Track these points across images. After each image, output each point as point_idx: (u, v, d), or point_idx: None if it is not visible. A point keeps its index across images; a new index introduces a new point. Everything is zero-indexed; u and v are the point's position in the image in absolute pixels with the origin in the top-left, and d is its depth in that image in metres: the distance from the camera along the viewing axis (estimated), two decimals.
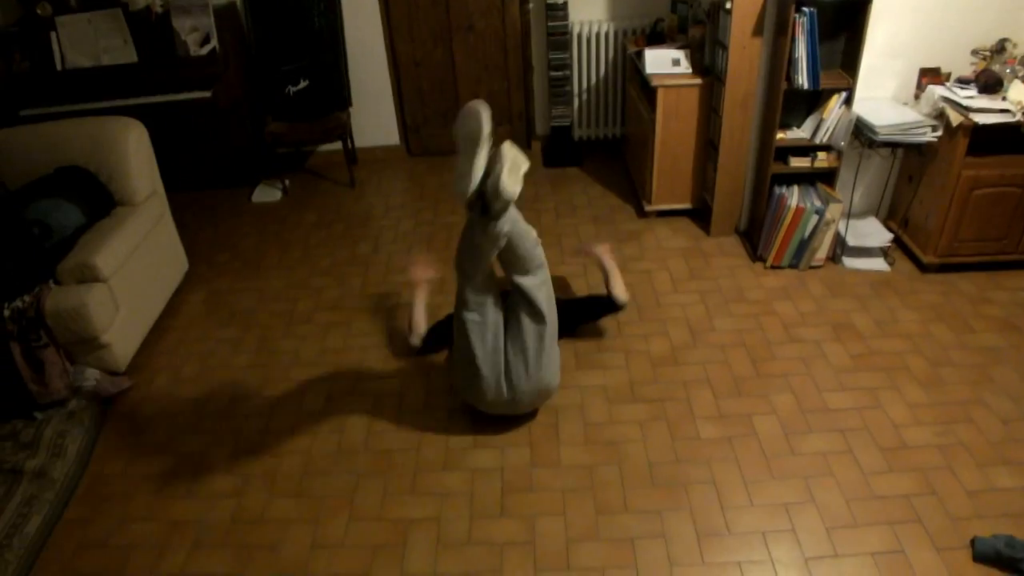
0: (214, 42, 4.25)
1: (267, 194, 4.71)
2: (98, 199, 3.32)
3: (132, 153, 3.38)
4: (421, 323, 3.11)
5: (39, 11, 4.21)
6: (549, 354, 2.59)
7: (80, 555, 2.39)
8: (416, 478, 2.58)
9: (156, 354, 3.31)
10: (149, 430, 2.88)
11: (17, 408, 2.90)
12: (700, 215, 4.08)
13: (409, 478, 2.58)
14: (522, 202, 4.42)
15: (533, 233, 2.51)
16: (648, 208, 4.10)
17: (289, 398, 2.99)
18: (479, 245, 2.42)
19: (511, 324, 2.55)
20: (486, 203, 2.32)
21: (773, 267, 3.61)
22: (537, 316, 2.52)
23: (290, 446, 2.76)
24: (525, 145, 5.14)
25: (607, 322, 3.31)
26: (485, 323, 2.53)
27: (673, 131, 3.81)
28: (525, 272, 2.52)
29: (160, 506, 2.54)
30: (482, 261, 2.46)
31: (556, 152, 4.87)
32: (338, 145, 4.80)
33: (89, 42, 4.21)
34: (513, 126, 5.07)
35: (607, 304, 3.13)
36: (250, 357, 3.25)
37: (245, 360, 3.23)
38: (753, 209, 3.79)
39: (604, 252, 3.26)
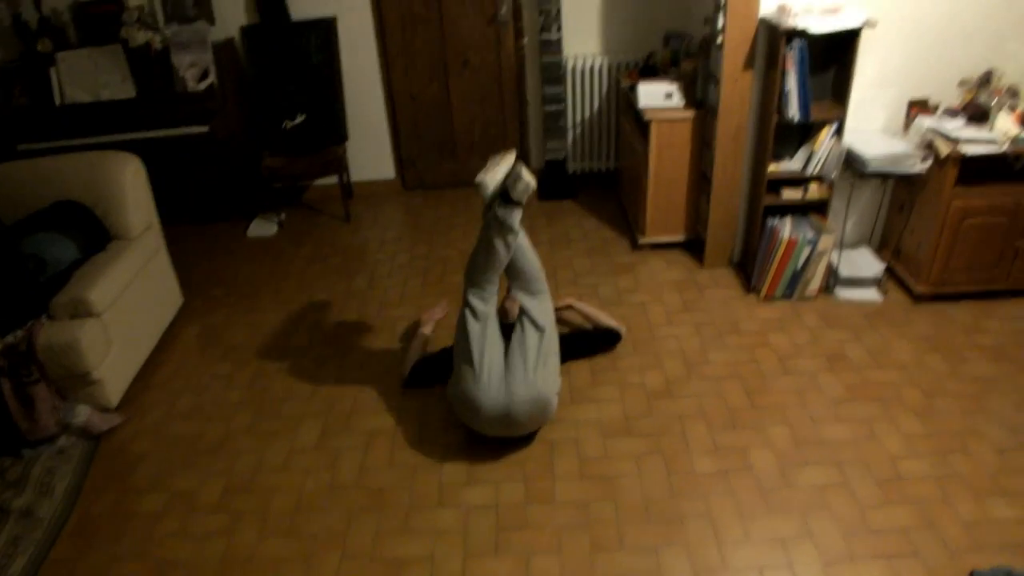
0: (212, 77, 4.29)
1: (263, 228, 4.72)
2: (94, 233, 3.32)
3: (128, 187, 3.39)
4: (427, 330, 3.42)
5: (39, 47, 4.26)
6: (547, 363, 2.68)
7: None
8: (409, 516, 2.55)
9: (148, 389, 3.29)
10: (140, 467, 2.85)
11: (5, 445, 2.87)
12: (694, 247, 4.09)
13: (402, 516, 2.55)
14: None
15: (539, 261, 2.84)
16: (642, 240, 4.11)
17: (282, 434, 2.97)
18: (492, 242, 2.66)
19: (513, 333, 2.72)
20: (506, 193, 2.63)
21: (767, 298, 3.61)
22: (537, 326, 2.72)
23: (282, 483, 2.73)
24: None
25: (601, 356, 3.30)
26: (485, 333, 2.67)
27: (666, 164, 3.84)
28: (528, 292, 2.80)
29: (149, 545, 2.50)
30: (492, 264, 2.70)
31: (551, 185, 4.89)
32: (334, 179, 4.84)
33: (88, 78, 4.25)
34: None
35: (606, 335, 3.24)
36: (243, 392, 3.23)
37: (238, 396, 3.21)
38: (746, 241, 3.80)
39: (567, 301, 3.52)
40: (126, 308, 3.25)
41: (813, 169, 3.38)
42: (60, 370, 2.93)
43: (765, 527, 2.41)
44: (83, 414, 2.96)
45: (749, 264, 3.73)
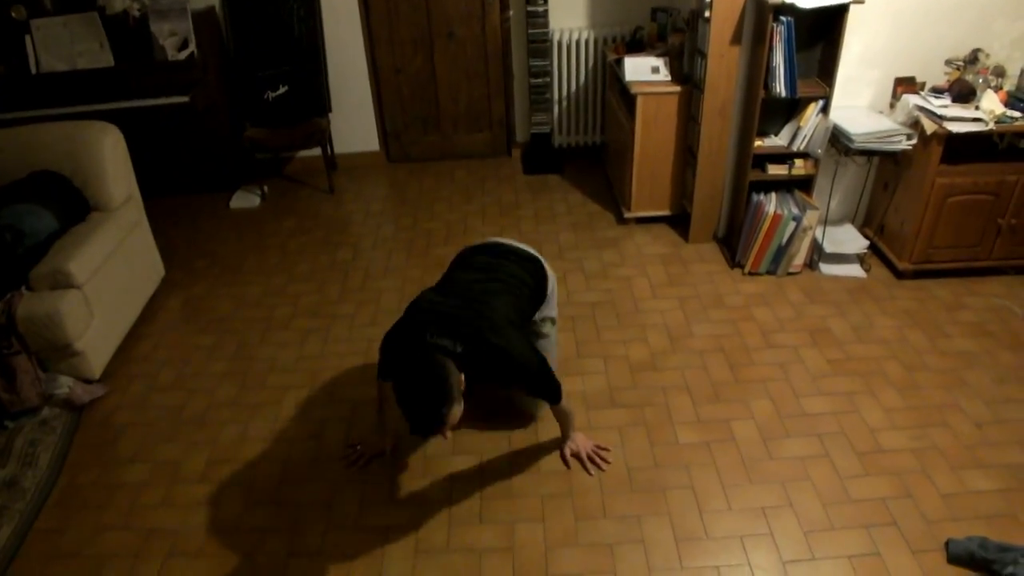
0: (192, 47, 4.23)
1: (245, 200, 4.68)
2: (73, 204, 3.28)
3: (108, 158, 3.35)
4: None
5: (13, 14, 4.17)
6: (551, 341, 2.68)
7: (52, 566, 2.35)
8: (394, 486, 2.57)
9: (131, 361, 3.28)
10: (123, 438, 2.85)
11: None
12: (679, 222, 4.11)
13: (387, 486, 2.57)
14: (503, 208, 4.44)
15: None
16: (628, 215, 4.12)
17: (266, 406, 2.97)
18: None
19: None
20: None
21: (751, 273, 3.64)
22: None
23: (267, 454, 2.74)
24: (505, 152, 5.15)
25: (586, 328, 3.32)
26: None
27: (652, 138, 3.84)
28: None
29: (135, 515, 2.51)
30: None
31: (536, 159, 4.89)
32: (317, 151, 4.79)
33: (64, 46, 4.17)
34: (493, 133, 5.09)
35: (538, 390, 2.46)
36: (227, 364, 3.23)
37: (222, 367, 3.21)
38: (731, 216, 3.82)
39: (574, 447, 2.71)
40: (107, 279, 3.23)
41: (799, 145, 3.39)
42: (41, 342, 2.91)
43: (747, 497, 2.45)
44: (65, 385, 2.95)
45: (734, 239, 3.75)
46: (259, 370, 3.18)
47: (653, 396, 2.91)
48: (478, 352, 2.15)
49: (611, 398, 2.91)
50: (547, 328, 2.66)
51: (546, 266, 2.61)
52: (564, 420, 2.59)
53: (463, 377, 2.09)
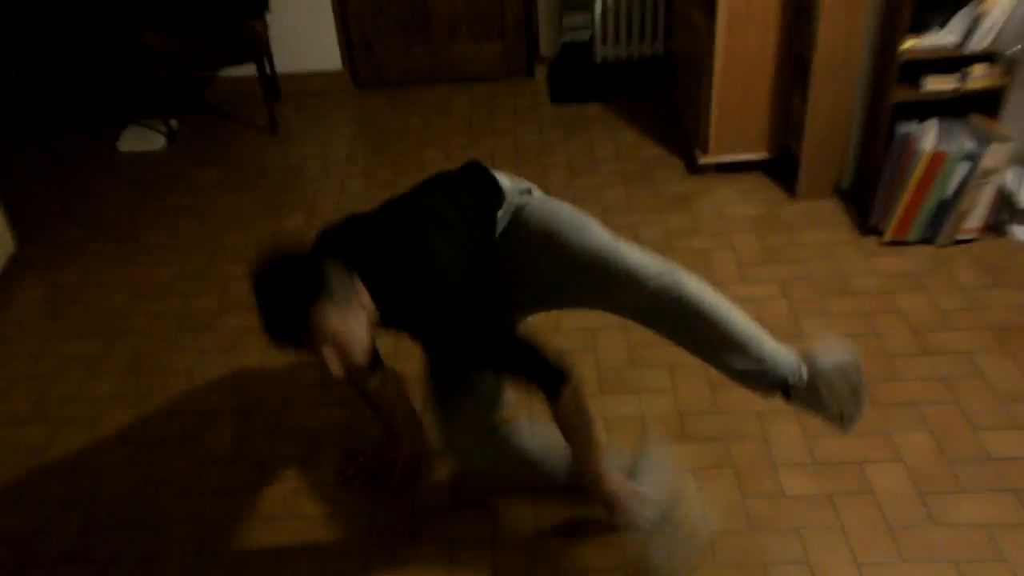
0: None
1: (143, 140, 4.69)
2: None
3: None
4: None
5: None
6: None
7: None
8: (369, 562, 2.51)
9: None
10: None
11: None
12: (781, 169, 4.06)
13: (358, 560, 2.51)
14: (521, 152, 4.40)
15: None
16: (703, 160, 4.09)
17: (179, 442, 2.93)
18: None
19: None
20: None
21: (895, 243, 3.59)
22: None
23: (180, 515, 2.68)
24: (525, 71, 5.15)
25: (641, 328, 3.16)
26: None
27: (742, 44, 3.78)
28: None
29: None
30: None
31: (570, 81, 4.89)
32: (251, 69, 4.75)
33: None
34: (507, 43, 5.08)
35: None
36: (118, 382, 3.20)
37: (110, 386, 3.18)
38: (863, 157, 3.77)
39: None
40: None
41: (980, 43, 3.26)
42: None
43: None
44: None
45: (867, 193, 3.69)
46: (168, 389, 3.15)
47: (745, 425, 2.83)
48: (386, 260, 2.14)
49: (681, 427, 2.85)
50: (525, 198, 2.48)
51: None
52: (578, 432, 2.24)
53: (367, 298, 2.07)
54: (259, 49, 4.57)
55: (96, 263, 3.80)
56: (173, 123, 4.78)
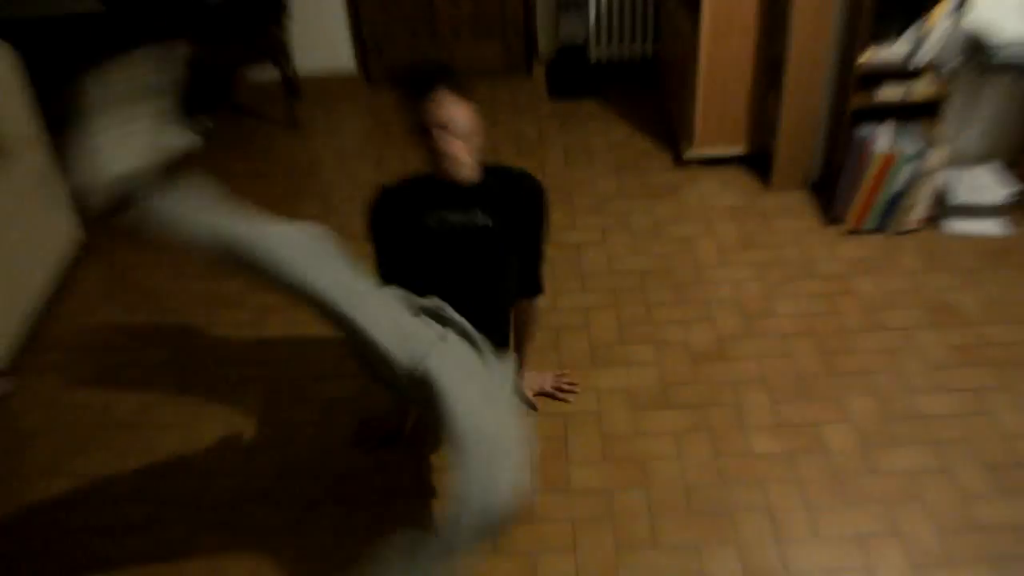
0: None
1: (181, 137, 4.70)
2: None
3: (1, 87, 3.41)
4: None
5: None
6: None
7: None
8: (388, 506, 2.65)
9: (42, 349, 3.38)
10: (34, 446, 2.95)
11: None
12: (758, 163, 4.13)
13: (379, 506, 2.66)
14: (521, 145, 4.49)
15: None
16: (689, 154, 4.17)
17: (217, 404, 3.06)
18: None
19: None
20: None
21: (853, 232, 3.68)
22: None
23: (218, 465, 2.83)
24: (524, 69, 5.17)
25: (632, 305, 3.38)
26: None
27: (724, 49, 3.85)
28: None
29: (52, 542, 2.61)
30: None
31: (566, 79, 4.95)
32: (273, 72, 4.83)
33: None
34: (507, 43, 5.11)
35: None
36: (166, 352, 3.32)
37: (159, 355, 3.31)
38: (829, 155, 3.86)
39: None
40: (6, 246, 3.29)
41: (924, 57, 3.37)
42: None
43: (840, 523, 2.52)
44: None
45: (831, 186, 3.78)
46: (207, 359, 3.27)
47: (720, 393, 2.97)
48: None
49: (664, 396, 2.97)
50: None
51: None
52: (531, 330, 2.81)
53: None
54: (280, 53, 4.64)
55: (144, 248, 3.77)
56: (207, 122, 4.80)
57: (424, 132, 2.35)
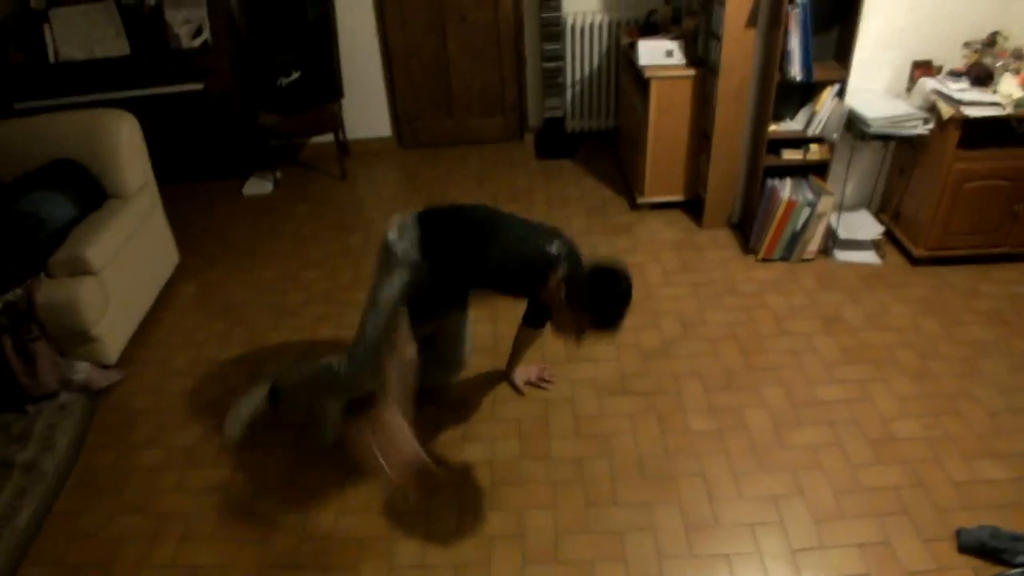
0: (206, 34, 4.24)
1: (259, 186, 4.69)
2: (90, 192, 3.31)
3: (124, 145, 3.37)
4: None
5: (32, 3, 4.20)
6: None
7: (71, 546, 2.39)
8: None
9: (147, 347, 3.32)
10: (139, 423, 2.89)
11: (8, 401, 2.90)
12: (693, 207, 4.08)
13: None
14: (515, 193, 4.43)
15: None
16: (641, 200, 4.10)
17: None
18: None
19: None
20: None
21: (765, 260, 3.62)
22: None
23: (279, 439, 2.76)
24: (518, 137, 5.14)
25: None
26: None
27: (666, 122, 3.81)
28: None
29: (150, 498, 2.55)
30: None
31: (549, 144, 4.87)
32: (330, 137, 4.79)
33: (82, 34, 4.20)
34: (506, 117, 5.07)
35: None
36: (241, 350, 3.25)
37: (235, 353, 3.23)
38: (746, 201, 3.80)
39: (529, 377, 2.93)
40: (123, 266, 3.25)
41: (814, 130, 3.35)
42: (59, 328, 2.94)
43: (758, 485, 2.46)
44: (83, 371, 2.99)
45: (748, 225, 3.73)
46: (271, 356, 3.20)
47: (665, 383, 2.90)
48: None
49: (622, 385, 2.91)
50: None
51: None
52: (528, 346, 2.78)
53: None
54: (335, 123, 4.57)
55: (227, 269, 3.83)
56: (278, 174, 4.80)
57: (576, 326, 2.19)
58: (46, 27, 4.17)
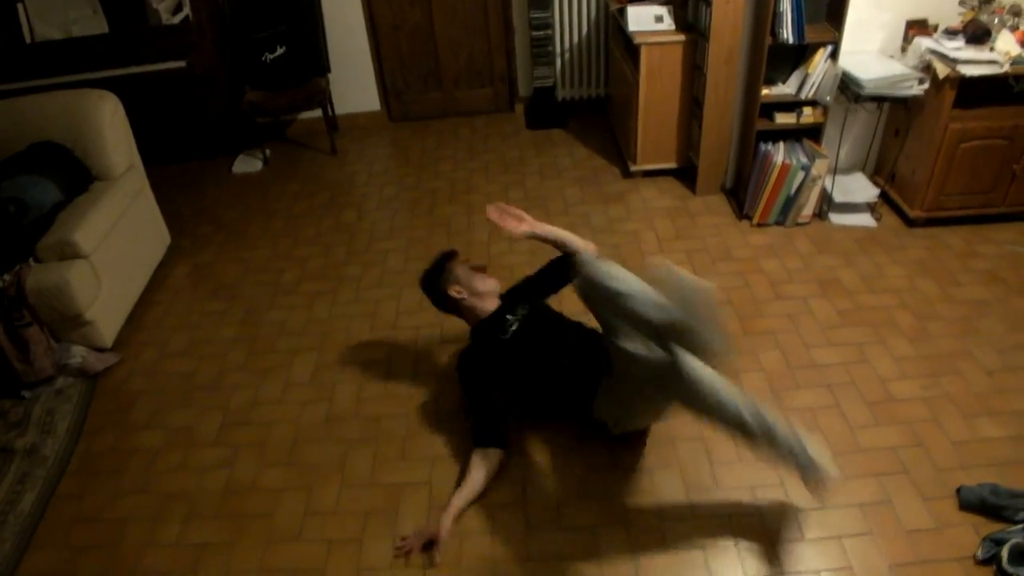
0: (187, 10, 4.18)
1: (248, 164, 4.67)
2: (75, 174, 3.28)
3: (107, 126, 3.33)
4: None
5: None
6: None
7: (75, 529, 2.41)
8: (407, 444, 2.60)
9: (142, 329, 3.31)
10: (137, 405, 2.89)
11: (4, 387, 2.90)
12: (686, 174, 4.07)
13: (399, 444, 2.61)
14: (507, 164, 4.40)
15: None
16: (633, 168, 4.09)
17: (276, 369, 3.01)
18: None
19: None
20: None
21: (759, 225, 3.62)
22: None
23: (279, 416, 2.78)
24: (508, 107, 5.10)
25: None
26: None
27: (657, 89, 3.79)
28: None
29: (152, 479, 2.56)
30: None
31: (540, 114, 4.85)
32: (318, 113, 4.76)
33: (58, 13, 4.13)
34: (495, 88, 5.03)
35: (560, 265, 2.67)
36: (236, 329, 3.25)
37: (231, 332, 3.24)
38: (739, 167, 3.79)
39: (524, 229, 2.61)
40: (114, 249, 3.24)
41: (807, 93, 3.34)
42: (52, 312, 2.94)
43: None
44: (78, 355, 2.99)
45: (741, 190, 3.72)
46: (268, 334, 3.20)
47: None
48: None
49: None
50: None
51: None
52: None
53: None
54: (323, 98, 4.54)
55: (219, 248, 3.82)
56: (267, 152, 4.77)
57: (457, 297, 2.54)
58: (20, 6, 4.09)
